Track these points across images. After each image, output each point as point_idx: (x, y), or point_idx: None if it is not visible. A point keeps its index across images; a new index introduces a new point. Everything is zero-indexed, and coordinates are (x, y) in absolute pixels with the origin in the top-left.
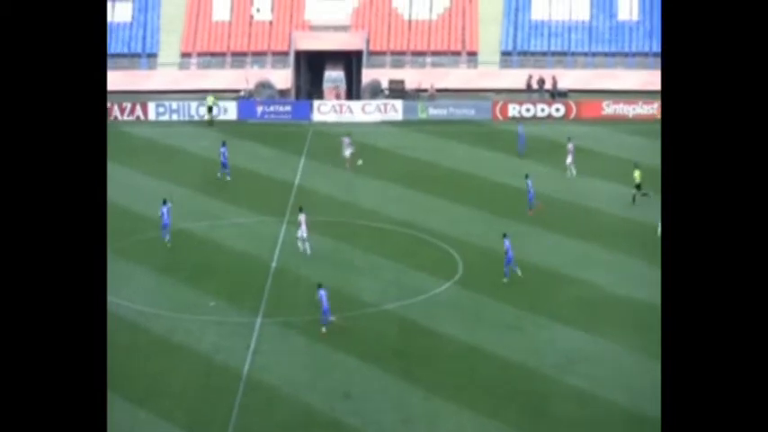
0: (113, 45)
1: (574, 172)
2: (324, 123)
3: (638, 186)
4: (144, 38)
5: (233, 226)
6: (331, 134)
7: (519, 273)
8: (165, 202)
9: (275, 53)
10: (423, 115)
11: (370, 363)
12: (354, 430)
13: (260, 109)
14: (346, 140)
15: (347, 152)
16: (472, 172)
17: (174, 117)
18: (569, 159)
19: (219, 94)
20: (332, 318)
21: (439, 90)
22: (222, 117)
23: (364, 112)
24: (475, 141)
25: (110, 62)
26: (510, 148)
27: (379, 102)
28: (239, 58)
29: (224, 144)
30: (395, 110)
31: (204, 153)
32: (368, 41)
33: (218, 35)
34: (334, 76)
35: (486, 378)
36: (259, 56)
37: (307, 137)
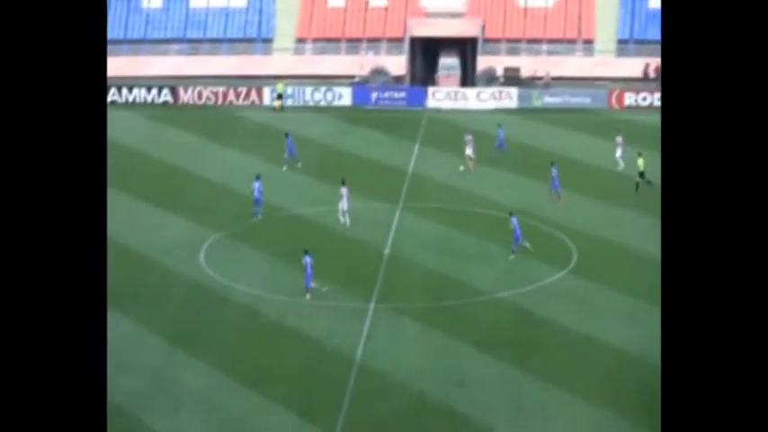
0: (229, 29)
1: (622, 165)
2: (438, 110)
3: (642, 174)
4: (260, 23)
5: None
6: (446, 121)
7: (528, 246)
8: (257, 178)
9: (390, 39)
10: (537, 103)
11: (483, 351)
12: (468, 418)
13: (374, 95)
14: (468, 138)
15: (469, 150)
16: (587, 160)
17: (289, 102)
18: (618, 152)
19: (333, 79)
20: (313, 284)
21: (554, 78)
22: (337, 103)
23: (479, 99)
24: (590, 130)
25: (226, 47)
26: (626, 138)
27: (494, 89)
28: (354, 44)
29: (287, 135)
30: (510, 97)
31: (319, 138)
32: (483, 28)
33: (334, 21)
34: (448, 62)
35: (601, 368)
36: (374, 42)
37: (421, 123)
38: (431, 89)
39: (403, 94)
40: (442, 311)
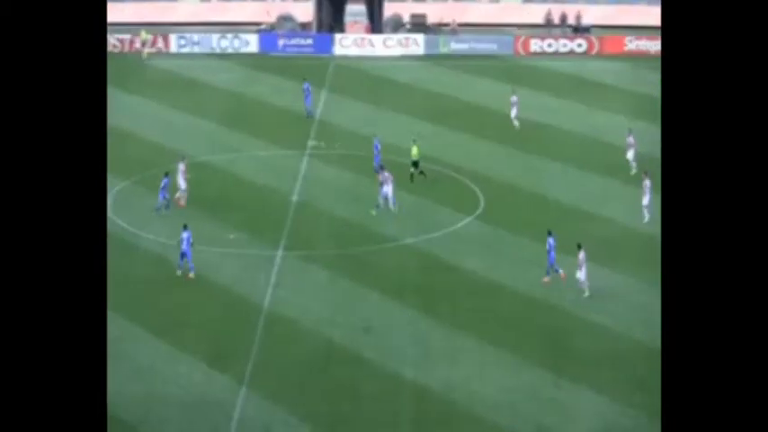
0: None
1: (634, 166)
2: (345, 57)
3: (416, 164)
4: None
5: (253, 159)
6: (353, 68)
7: (561, 274)
8: (185, 228)
9: None
10: (444, 50)
11: (390, 297)
12: (375, 365)
13: (281, 42)
14: (514, 99)
15: (514, 112)
16: (494, 107)
17: (196, 49)
18: (630, 154)
19: (239, 26)
20: (191, 274)
21: (461, 25)
22: (243, 50)
23: (386, 46)
24: (496, 76)
25: None
26: (532, 84)
27: (401, 36)
28: None
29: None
30: (416, 44)
31: (226, 86)
32: None
33: None
34: (355, 9)
35: (507, 313)
36: None
37: (328, 70)
38: (338, 36)
39: (310, 41)
40: (350, 258)
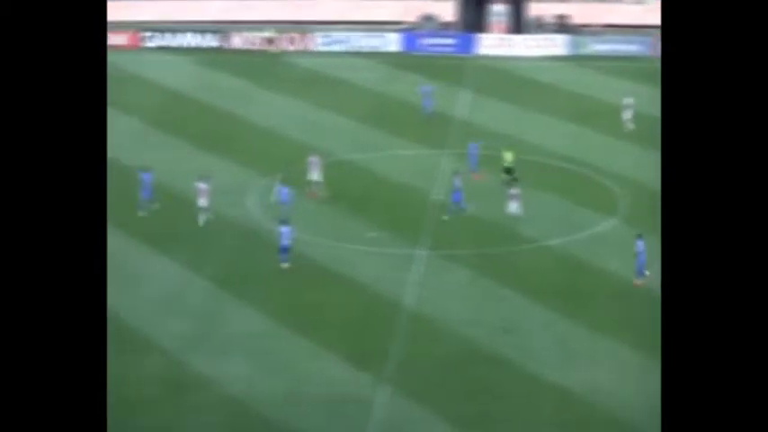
0: None
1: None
2: (487, 57)
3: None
4: None
5: (394, 158)
6: (495, 68)
7: (647, 274)
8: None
9: None
10: (586, 50)
11: (531, 298)
12: (516, 365)
13: (424, 41)
14: (628, 101)
15: (627, 115)
16: (635, 109)
17: (339, 48)
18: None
19: (382, 25)
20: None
21: (604, 26)
22: (386, 48)
23: (528, 46)
24: (639, 78)
25: None
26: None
27: (544, 36)
28: None
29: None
30: (559, 45)
31: (367, 84)
32: None
33: None
34: (498, 9)
35: (649, 317)
36: None
37: (469, 70)
38: (480, 36)
39: (452, 41)
40: (491, 259)
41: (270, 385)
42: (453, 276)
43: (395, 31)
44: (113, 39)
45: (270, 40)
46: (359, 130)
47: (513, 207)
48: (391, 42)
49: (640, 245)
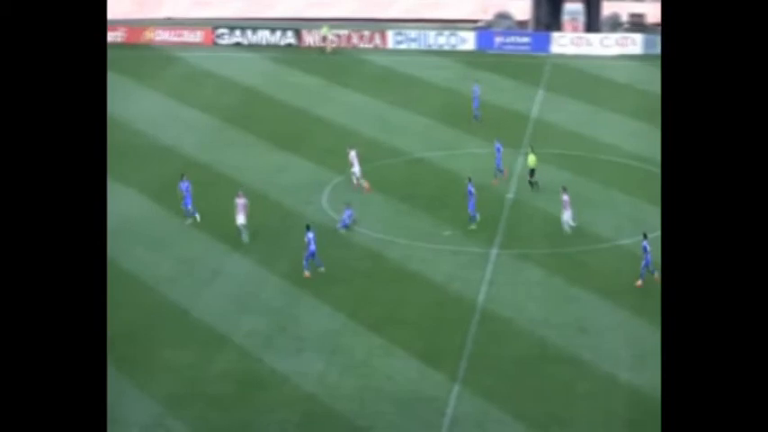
0: None
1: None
2: (562, 56)
3: (532, 172)
4: None
5: (469, 156)
6: (570, 67)
7: (656, 277)
8: (182, 178)
9: None
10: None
11: (605, 298)
12: (589, 365)
13: (498, 40)
14: None
15: None
16: None
17: (413, 46)
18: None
19: (456, 23)
20: (321, 268)
21: None
22: (460, 47)
23: (603, 45)
24: None
25: None
26: None
27: (619, 35)
28: None
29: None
30: (634, 44)
31: (442, 83)
32: None
33: None
34: (573, 8)
35: None
36: None
37: (544, 69)
38: (555, 34)
39: (527, 39)
40: (564, 258)
41: (343, 382)
42: (526, 275)
43: (469, 29)
44: (189, 36)
45: (324, 38)
46: (433, 129)
47: (566, 216)
48: (466, 41)
49: (646, 244)
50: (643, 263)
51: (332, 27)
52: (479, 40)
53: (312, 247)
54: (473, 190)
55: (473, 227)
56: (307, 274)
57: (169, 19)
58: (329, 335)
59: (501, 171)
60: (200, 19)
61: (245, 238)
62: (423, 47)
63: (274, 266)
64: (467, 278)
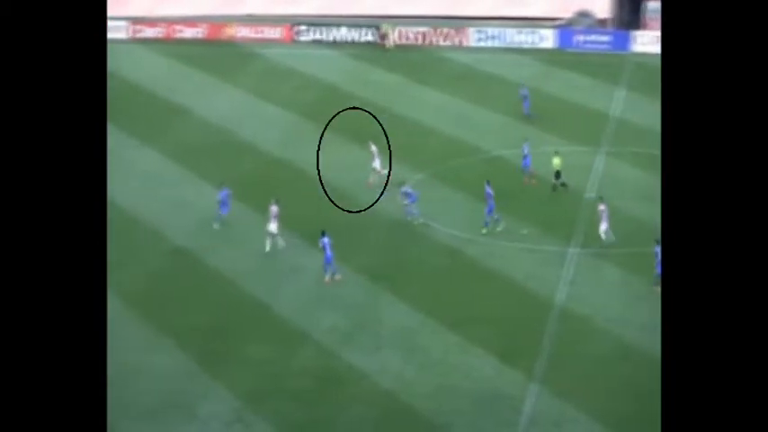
0: None
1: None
2: (643, 54)
3: (558, 174)
4: None
5: (547, 154)
6: (651, 66)
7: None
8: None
9: None
10: None
11: None
12: None
13: (579, 38)
14: None
15: None
16: None
17: (493, 44)
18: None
19: (536, 21)
20: (337, 275)
21: None
22: (540, 45)
23: None
24: None
25: None
26: None
27: None
28: None
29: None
30: None
31: (522, 81)
32: None
33: None
34: (654, 6)
35: None
36: None
37: (625, 67)
38: (636, 33)
39: (607, 38)
40: (642, 257)
41: (421, 380)
42: (604, 275)
43: (550, 27)
44: (269, 33)
45: (383, 35)
46: (512, 127)
47: (603, 228)
48: (546, 38)
49: (659, 251)
50: (657, 269)
51: (393, 24)
52: (559, 38)
53: (328, 252)
54: (491, 192)
55: (484, 231)
56: (327, 279)
57: (250, 16)
58: (407, 332)
59: (530, 172)
60: (281, 16)
61: (269, 247)
62: (503, 45)
63: (353, 263)
64: (544, 276)
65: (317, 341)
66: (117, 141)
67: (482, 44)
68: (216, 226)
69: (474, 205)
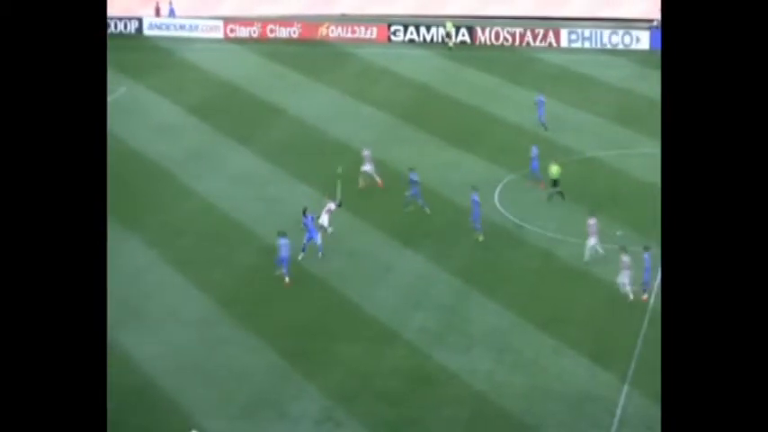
0: None
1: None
2: None
3: (555, 183)
4: None
5: (642, 156)
6: None
7: (644, 298)
8: (304, 213)
9: None
10: None
11: None
12: None
13: None
14: None
15: None
16: None
17: (586, 45)
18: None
19: (631, 22)
20: (287, 278)
21: None
22: (634, 46)
23: None
24: None
25: None
26: None
27: None
28: None
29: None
30: None
31: (615, 82)
32: None
33: None
34: None
35: None
36: None
37: None
38: None
39: None
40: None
41: (512, 380)
42: None
43: (644, 28)
44: (363, 33)
45: (448, 34)
46: (606, 128)
47: (592, 242)
48: (640, 40)
49: (647, 257)
50: (645, 276)
51: (455, 23)
52: (654, 39)
53: (284, 253)
54: (478, 199)
55: (480, 238)
56: (287, 280)
57: (344, 15)
58: (498, 333)
59: (538, 177)
60: (375, 15)
61: (330, 228)
62: (596, 46)
63: (445, 263)
64: (637, 278)
65: (408, 341)
66: (212, 140)
67: (575, 45)
68: (301, 257)
69: (567, 205)
